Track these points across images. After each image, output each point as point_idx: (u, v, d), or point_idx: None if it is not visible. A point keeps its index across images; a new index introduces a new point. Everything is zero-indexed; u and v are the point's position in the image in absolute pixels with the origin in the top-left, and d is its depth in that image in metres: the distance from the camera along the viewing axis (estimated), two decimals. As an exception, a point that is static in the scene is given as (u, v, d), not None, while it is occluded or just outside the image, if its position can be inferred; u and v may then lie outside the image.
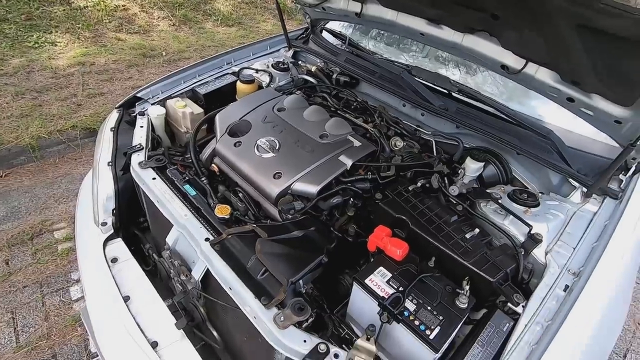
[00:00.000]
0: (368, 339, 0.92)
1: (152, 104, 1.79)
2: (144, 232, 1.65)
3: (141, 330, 1.16)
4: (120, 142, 1.60)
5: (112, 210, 1.45)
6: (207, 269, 1.14)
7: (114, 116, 1.70)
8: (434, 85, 1.78)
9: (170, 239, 1.26)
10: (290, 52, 2.24)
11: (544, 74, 1.30)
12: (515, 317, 1.04)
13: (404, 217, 1.23)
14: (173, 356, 1.11)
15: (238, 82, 1.91)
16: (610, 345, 1.18)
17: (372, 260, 1.16)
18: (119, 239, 1.43)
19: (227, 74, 2.01)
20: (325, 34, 2.29)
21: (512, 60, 1.36)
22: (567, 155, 1.44)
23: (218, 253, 1.11)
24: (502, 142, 1.52)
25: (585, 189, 1.36)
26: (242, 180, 1.46)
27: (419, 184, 1.36)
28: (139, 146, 1.50)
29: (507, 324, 1.01)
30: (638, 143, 1.25)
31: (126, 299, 1.25)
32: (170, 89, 1.87)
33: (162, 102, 1.82)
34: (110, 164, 1.50)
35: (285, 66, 2.05)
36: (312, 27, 2.29)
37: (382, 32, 2.14)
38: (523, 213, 1.25)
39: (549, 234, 1.20)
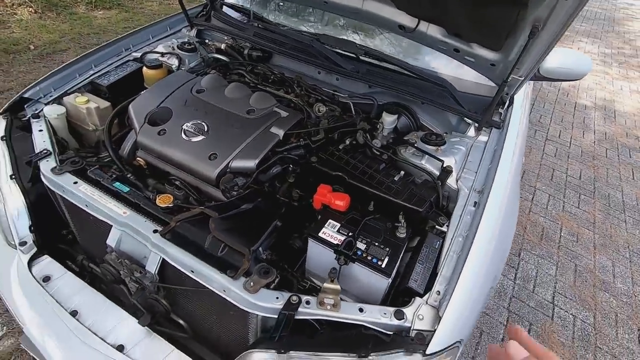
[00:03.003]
0: (332, 281, 1.04)
1: (45, 104, 1.58)
2: (70, 245, 1.51)
3: (101, 338, 1.12)
4: (18, 152, 1.40)
5: (29, 227, 1.30)
6: (162, 260, 1.12)
7: (0, 123, 1.46)
8: (342, 50, 1.90)
9: (111, 241, 1.19)
10: (194, 31, 2.14)
11: (434, 30, 1.51)
12: (442, 235, 1.26)
13: (341, 174, 1.36)
14: (144, 354, 1.10)
15: (144, 69, 1.78)
16: (509, 246, 1.50)
17: (319, 216, 1.27)
18: (46, 256, 1.30)
19: (129, 61, 1.85)
20: (225, 9, 2.23)
21: (407, 20, 1.54)
22: (459, 99, 1.71)
23: (171, 241, 1.10)
24: (408, 94, 1.73)
25: (476, 124, 1.64)
26: (175, 169, 1.42)
27: (347, 142, 1.49)
28: (45, 152, 1.34)
29: (438, 242, 1.23)
30: (508, 80, 1.56)
31: (74, 313, 1.17)
32: (63, 85, 1.66)
33: (58, 101, 1.62)
34: (13, 177, 1.31)
35: (192, 46, 1.96)
36: (212, 2, 2.20)
37: (280, 3, 2.16)
38: (435, 152, 1.48)
39: (457, 165, 1.45)
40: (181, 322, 1.26)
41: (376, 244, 1.16)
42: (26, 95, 1.55)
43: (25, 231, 1.30)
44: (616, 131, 4.48)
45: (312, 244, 1.19)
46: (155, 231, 1.13)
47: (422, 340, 0.98)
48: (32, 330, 1.15)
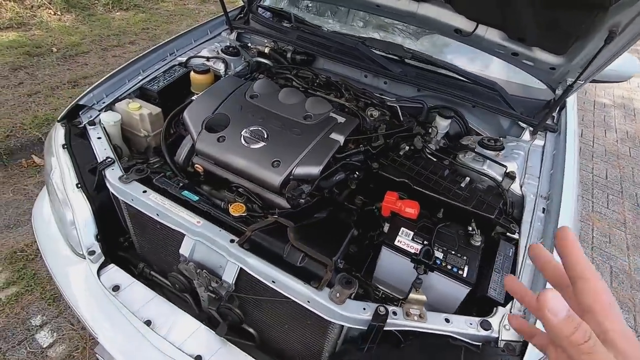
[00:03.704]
0: (417, 291, 1.03)
1: (99, 110, 1.57)
2: (127, 251, 1.50)
3: (178, 348, 1.11)
4: (79, 159, 1.39)
5: (96, 236, 1.29)
6: (240, 269, 1.11)
7: (59, 131, 1.46)
8: (389, 54, 1.88)
9: (185, 250, 1.18)
10: (234, 35, 2.12)
11: (492, 34, 1.49)
12: (514, 242, 1.25)
13: (406, 180, 1.35)
14: (222, 364, 1.10)
15: (192, 73, 1.77)
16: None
17: (388, 224, 1.26)
18: (113, 265, 1.29)
19: (174, 66, 1.84)
20: (261, 12, 2.22)
21: (464, 24, 1.52)
22: (510, 102, 1.69)
23: (250, 251, 1.09)
24: (459, 98, 1.71)
25: (531, 128, 1.63)
26: (235, 176, 1.41)
27: (407, 148, 1.48)
28: (109, 160, 1.33)
29: (511, 249, 1.22)
30: (574, 85, 1.55)
31: (148, 323, 1.17)
32: (115, 91, 1.66)
33: (110, 107, 1.61)
34: (79, 186, 1.30)
35: (236, 50, 1.95)
36: (249, 5, 2.18)
37: (316, 4, 2.14)
38: (495, 157, 1.46)
39: (519, 170, 1.43)
40: (252, 331, 1.25)
41: (452, 252, 1.15)
42: (81, 102, 1.54)
43: (91, 240, 1.29)
44: (638, 129, 4.46)
45: (386, 253, 1.18)
46: (232, 241, 1.12)
47: (512, 351, 0.97)
48: (107, 340, 1.14)
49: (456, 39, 1.62)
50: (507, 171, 1.40)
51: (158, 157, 1.72)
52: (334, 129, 1.46)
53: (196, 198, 1.25)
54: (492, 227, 1.28)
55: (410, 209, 1.23)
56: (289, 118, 1.50)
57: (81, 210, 1.30)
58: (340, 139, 1.43)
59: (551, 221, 1.24)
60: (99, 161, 1.35)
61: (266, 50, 1.97)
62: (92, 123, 1.51)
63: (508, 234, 1.25)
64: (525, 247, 1.19)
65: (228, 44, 2.02)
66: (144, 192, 1.24)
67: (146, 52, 1.80)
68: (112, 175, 1.29)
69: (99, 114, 1.55)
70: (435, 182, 1.35)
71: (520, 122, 1.66)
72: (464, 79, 1.74)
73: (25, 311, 1.86)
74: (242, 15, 2.21)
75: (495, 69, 1.82)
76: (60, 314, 1.86)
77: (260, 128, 1.44)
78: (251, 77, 1.85)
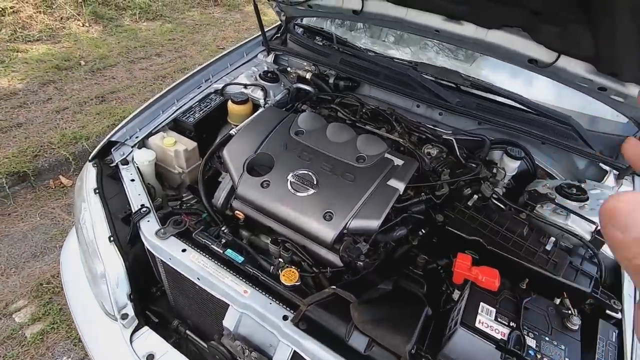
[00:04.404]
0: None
1: (132, 146, 1.45)
2: (159, 304, 1.37)
3: None
4: (110, 205, 1.27)
5: (129, 296, 1.16)
6: (294, 352, 0.96)
7: (91, 172, 1.34)
8: (443, 80, 1.70)
9: (229, 323, 1.04)
10: (271, 57, 1.98)
11: (576, 67, 1.29)
12: (612, 321, 1.05)
13: (479, 239, 1.16)
14: None
15: (230, 103, 1.64)
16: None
17: (458, 290, 1.08)
18: (147, 329, 1.16)
19: (210, 94, 1.71)
20: (299, 31, 2.07)
21: (542, 54, 1.32)
22: (587, 139, 1.48)
23: (307, 332, 0.94)
24: (525, 133, 1.52)
25: (616, 172, 1.41)
26: (280, 226, 1.26)
27: (475, 197, 1.29)
28: (144, 210, 1.20)
29: (614, 333, 1.02)
30: None
31: (186, 401, 1.02)
32: (148, 124, 1.53)
33: (144, 141, 1.49)
34: (112, 239, 1.18)
35: (275, 76, 1.80)
36: (287, 24, 2.04)
37: (381, 30, 1.97)
38: (580, 209, 1.26)
39: (609, 227, 1.22)
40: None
41: (547, 338, 0.96)
42: (113, 139, 1.42)
43: (124, 299, 1.16)
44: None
45: (462, 334, 1.00)
46: (285, 317, 0.97)
47: None
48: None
49: (529, 69, 1.42)
50: (597, 228, 1.20)
51: (192, 194, 1.60)
52: (392, 174, 1.29)
53: (241, 259, 1.10)
54: (583, 301, 1.08)
55: (490, 279, 1.04)
56: (340, 160, 1.34)
57: (113, 266, 1.17)
58: (400, 186, 1.26)
59: (662, 298, 1.03)
60: (133, 210, 1.22)
61: (307, 75, 1.82)
62: (125, 162, 1.39)
63: (607, 311, 1.05)
64: (633, 329, 0.99)
65: (266, 68, 1.88)
66: (183, 251, 1.10)
67: (180, 80, 1.68)
68: (148, 229, 1.15)
69: (131, 151, 1.43)
70: (514, 242, 1.16)
71: (602, 164, 1.45)
72: (532, 111, 1.55)
73: (50, 352, 1.76)
74: (278, 34, 2.07)
75: (564, 99, 1.62)
76: (86, 357, 1.75)
77: (308, 172, 1.28)
78: (292, 107, 1.70)
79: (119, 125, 1.46)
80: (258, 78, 1.78)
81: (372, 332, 0.91)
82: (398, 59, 1.81)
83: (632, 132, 1.51)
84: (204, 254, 1.10)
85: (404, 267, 1.21)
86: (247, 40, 2.00)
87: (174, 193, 1.61)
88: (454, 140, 1.58)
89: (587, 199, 1.30)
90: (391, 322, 0.94)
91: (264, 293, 1.02)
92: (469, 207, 1.26)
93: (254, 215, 1.30)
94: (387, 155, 1.36)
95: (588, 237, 1.20)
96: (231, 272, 1.07)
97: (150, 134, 1.51)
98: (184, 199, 1.58)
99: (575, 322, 0.98)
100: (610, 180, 1.42)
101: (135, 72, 3.90)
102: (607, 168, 1.44)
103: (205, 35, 4.92)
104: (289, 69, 1.89)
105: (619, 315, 1.03)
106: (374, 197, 1.23)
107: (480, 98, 1.63)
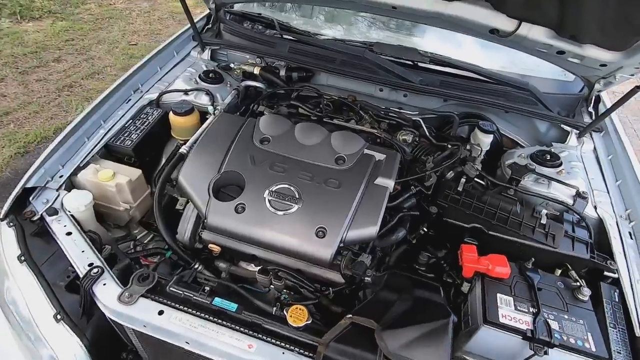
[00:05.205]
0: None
1: (57, 189, 1.15)
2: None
3: None
4: (45, 271, 1.00)
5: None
6: (322, 401, 0.83)
7: (7, 234, 1.03)
8: (400, 59, 1.61)
9: (237, 384, 0.87)
10: (206, 53, 1.72)
11: (537, 33, 1.27)
12: (608, 280, 1.08)
13: (479, 225, 1.12)
14: None
15: (171, 115, 1.38)
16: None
17: (476, 290, 1.03)
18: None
19: (145, 107, 1.43)
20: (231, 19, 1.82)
21: (503, 23, 1.28)
22: (545, 102, 1.51)
23: (332, 377, 0.82)
24: (490, 104, 1.51)
25: (576, 131, 1.47)
26: (266, 252, 1.10)
27: (463, 180, 1.24)
28: (95, 271, 0.95)
29: (615, 292, 1.05)
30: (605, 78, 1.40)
31: None
32: (73, 157, 1.23)
33: (72, 180, 1.20)
34: (60, 318, 0.92)
35: (218, 75, 1.56)
36: (217, 12, 1.78)
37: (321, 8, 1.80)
38: (557, 175, 1.28)
39: (586, 187, 1.27)
40: None
41: (565, 317, 0.95)
42: (29, 184, 1.11)
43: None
44: None
45: (486, 331, 0.96)
46: (304, 366, 0.83)
47: None
48: None
49: (489, 40, 1.38)
50: (581, 191, 1.22)
51: (146, 229, 1.36)
52: (377, 172, 1.18)
53: (235, 306, 0.93)
54: (582, 269, 1.10)
55: (501, 268, 1.01)
56: (318, 165, 1.19)
57: (66, 348, 0.92)
58: (389, 183, 1.16)
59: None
60: (79, 273, 0.96)
61: (255, 70, 1.61)
62: (52, 211, 1.09)
63: (606, 273, 1.08)
64: (632, 287, 1.03)
65: (204, 67, 1.62)
66: (160, 313, 0.89)
67: (103, 95, 1.37)
68: (106, 295, 0.92)
69: (58, 195, 1.14)
70: (512, 222, 1.13)
71: (563, 126, 1.49)
72: (493, 81, 1.54)
73: None
74: (210, 26, 1.81)
75: (516, 64, 1.63)
76: None
77: (286, 185, 1.12)
78: (248, 110, 1.50)
79: (34, 165, 1.14)
80: (198, 80, 1.52)
81: (404, 358, 0.82)
82: (351, 41, 1.67)
83: (579, 88, 1.58)
84: (187, 310, 0.91)
85: (409, 269, 1.13)
86: (174, 35, 1.71)
87: (123, 233, 1.35)
88: (421, 121, 1.53)
89: (561, 163, 1.33)
90: (421, 343, 0.86)
91: (272, 341, 0.87)
92: (460, 192, 1.21)
93: (233, 246, 1.12)
94: (366, 151, 1.25)
95: (571, 201, 1.23)
96: (226, 324, 0.89)
97: (78, 169, 1.22)
98: (138, 239, 1.33)
99: (586, 293, 0.99)
100: (572, 140, 1.47)
101: (31, 84, 3.26)
102: (568, 128, 1.49)
103: (110, 31, 4.28)
104: (231, 65, 1.66)
105: (615, 275, 1.07)
106: (364, 201, 1.11)
107: (441, 74, 1.58)
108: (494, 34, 1.34)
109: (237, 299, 0.98)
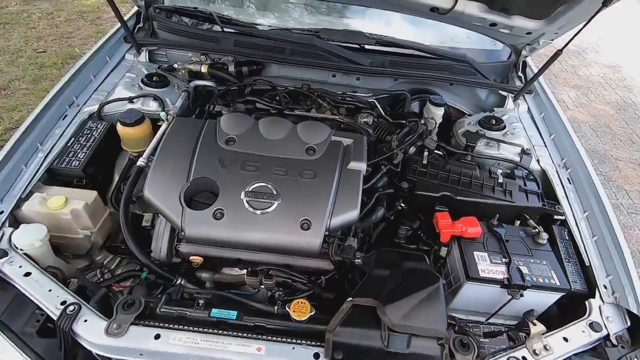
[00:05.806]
0: (535, 324, 0.94)
1: (0, 227, 1.01)
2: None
3: None
4: (11, 322, 0.89)
5: None
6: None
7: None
8: (348, 43, 1.63)
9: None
10: (144, 55, 1.59)
11: (472, 8, 1.37)
12: (557, 222, 1.24)
13: (447, 193, 1.21)
14: None
15: (119, 127, 1.27)
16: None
17: (454, 250, 1.12)
18: None
19: (87, 122, 1.29)
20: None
21: (442, 1, 1.36)
22: (483, 72, 1.65)
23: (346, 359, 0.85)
24: (436, 79, 1.61)
25: (512, 95, 1.62)
26: (252, 253, 1.09)
27: (426, 153, 1.32)
28: (72, 309, 0.87)
29: (564, 232, 1.21)
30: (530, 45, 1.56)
31: None
32: (11, 190, 1.09)
33: (16, 215, 1.06)
34: (39, 367, 0.82)
35: (163, 78, 1.45)
36: (147, 9, 1.65)
37: None
38: (504, 137, 1.42)
39: (528, 144, 1.42)
40: None
41: (532, 260, 1.08)
42: (-36, 229, 0.96)
43: None
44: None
45: (470, 286, 1.05)
46: (316, 355, 0.85)
47: (626, 342, 0.97)
48: None
49: (430, 18, 1.46)
50: (525, 149, 1.37)
51: (111, 254, 1.26)
52: (348, 157, 1.21)
53: (234, 314, 0.91)
54: (536, 216, 1.24)
55: (473, 228, 1.11)
56: (290, 158, 1.19)
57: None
58: (362, 166, 1.19)
59: (585, 190, 1.26)
60: (52, 314, 0.87)
61: (202, 69, 1.52)
62: (0, 254, 0.96)
63: (555, 216, 1.24)
64: (577, 225, 1.20)
65: (145, 71, 1.50)
66: (157, 337, 0.85)
67: (34, 114, 1.21)
68: (91, 331, 0.84)
69: (2, 235, 1.00)
70: (474, 185, 1.24)
71: (500, 91, 1.64)
72: (434, 56, 1.63)
73: None
74: (141, 25, 1.67)
75: (452, 39, 1.75)
76: None
77: (262, 183, 1.11)
78: (203, 111, 1.43)
79: (-34, 206, 0.99)
80: (142, 85, 1.41)
81: (408, 329, 0.88)
82: (296, 28, 1.65)
83: (507, 55, 1.74)
84: (186, 328, 0.87)
85: (391, 244, 1.20)
86: (103, 39, 1.55)
87: (85, 262, 1.23)
88: (376, 102, 1.58)
89: (505, 126, 1.47)
90: (419, 310, 0.92)
91: (280, 340, 0.87)
92: (425, 165, 1.28)
93: (217, 253, 1.08)
94: (333, 138, 1.27)
95: (518, 158, 1.37)
96: (230, 333, 0.87)
97: (21, 201, 1.08)
98: (105, 265, 1.23)
99: (544, 237, 1.13)
100: (510, 103, 1.63)
101: None
102: (505, 93, 1.64)
103: (9, 38, 3.74)
104: (175, 65, 1.55)
105: (563, 217, 1.23)
106: (342, 187, 1.14)
107: (389, 54, 1.63)
108: (434, 12, 1.41)
109: (233, 305, 0.96)
